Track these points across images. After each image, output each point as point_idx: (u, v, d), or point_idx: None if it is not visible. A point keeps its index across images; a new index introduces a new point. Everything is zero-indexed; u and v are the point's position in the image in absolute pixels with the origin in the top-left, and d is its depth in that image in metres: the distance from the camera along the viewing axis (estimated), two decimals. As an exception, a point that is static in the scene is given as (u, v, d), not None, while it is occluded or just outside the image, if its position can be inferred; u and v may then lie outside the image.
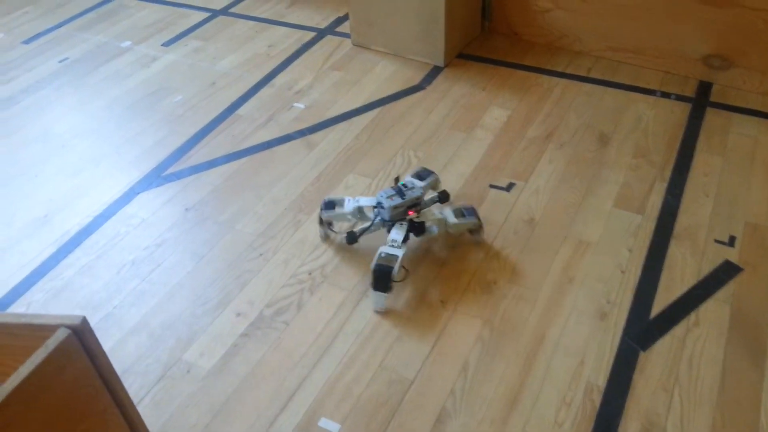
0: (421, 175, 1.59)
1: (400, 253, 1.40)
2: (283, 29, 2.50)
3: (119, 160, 1.89)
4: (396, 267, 1.37)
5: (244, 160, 1.87)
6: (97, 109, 2.11)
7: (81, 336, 0.84)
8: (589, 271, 1.48)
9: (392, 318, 1.41)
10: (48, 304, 1.48)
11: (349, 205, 1.52)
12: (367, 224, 1.51)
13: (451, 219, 1.50)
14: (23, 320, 0.83)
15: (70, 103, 2.15)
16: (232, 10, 2.65)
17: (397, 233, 1.44)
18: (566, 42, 2.25)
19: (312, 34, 2.46)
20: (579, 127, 1.90)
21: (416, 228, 1.49)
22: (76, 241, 1.64)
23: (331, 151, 1.88)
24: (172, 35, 2.49)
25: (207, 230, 1.65)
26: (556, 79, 2.11)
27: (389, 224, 1.47)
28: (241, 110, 2.06)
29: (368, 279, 1.45)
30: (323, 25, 2.51)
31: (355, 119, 2.00)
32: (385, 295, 1.39)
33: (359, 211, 1.53)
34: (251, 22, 2.56)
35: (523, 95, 2.06)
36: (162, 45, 2.44)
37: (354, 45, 2.37)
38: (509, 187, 1.72)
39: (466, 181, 1.75)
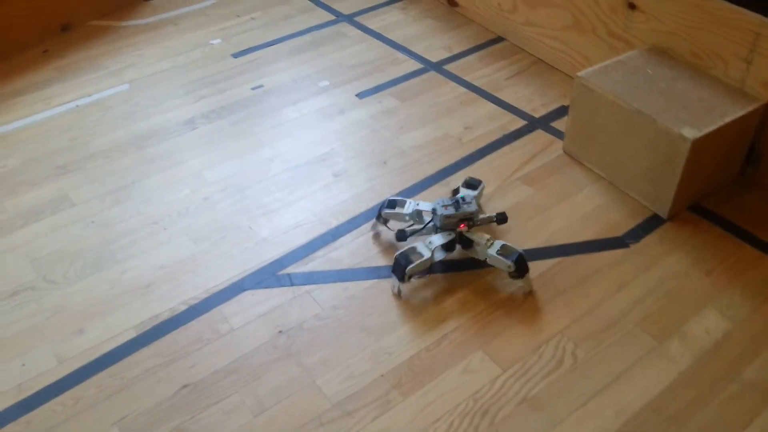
0: (471, 183, 1.67)
1: (427, 253, 1.46)
2: (490, 107, 2.09)
3: (247, 237, 1.68)
4: (415, 263, 1.44)
5: (371, 282, 1.54)
6: (257, 162, 1.91)
7: None
8: None
9: None
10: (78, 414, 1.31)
11: (409, 207, 1.58)
12: (419, 227, 1.55)
13: (492, 251, 1.48)
14: None
15: (237, 147, 1.98)
16: (447, 66, 2.30)
17: (439, 238, 1.50)
18: None
19: (521, 123, 2.02)
20: (829, 390, 1.28)
21: (464, 241, 1.52)
22: (154, 334, 1.45)
23: (461, 311, 1.47)
24: (372, 85, 2.22)
25: (285, 373, 1.36)
26: (822, 290, 1.47)
27: (439, 231, 1.52)
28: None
29: None
30: (539, 112, 2.06)
31: (521, 267, 1.56)
32: (400, 282, 1.46)
33: (417, 215, 1.58)
34: (461, 89, 2.19)
35: (763, 303, 1.46)
36: (356, 95, 2.18)
37: (564, 152, 1.90)
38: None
39: (627, 419, 1.25)
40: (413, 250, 1.48)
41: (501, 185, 1.80)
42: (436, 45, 2.42)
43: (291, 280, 1.56)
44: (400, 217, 1.59)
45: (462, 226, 1.49)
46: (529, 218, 1.69)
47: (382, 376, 1.35)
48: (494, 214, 1.57)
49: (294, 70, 2.30)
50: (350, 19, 2.60)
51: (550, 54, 2.25)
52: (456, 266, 1.58)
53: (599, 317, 1.45)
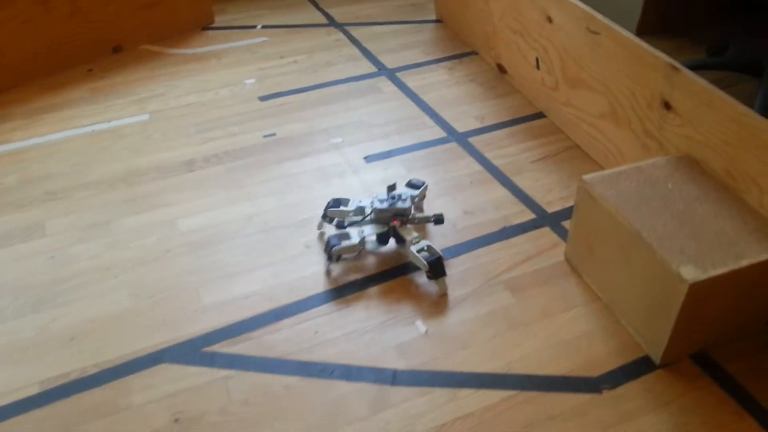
0: (414, 184, 1.76)
1: (356, 238, 1.57)
2: (502, 192, 1.87)
3: (190, 301, 1.56)
4: (342, 245, 1.56)
5: (296, 379, 1.37)
6: (235, 218, 1.80)
7: None
8: None
9: None
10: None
11: (352, 204, 1.66)
12: (358, 219, 1.64)
13: (414, 248, 1.54)
14: None
15: (223, 198, 1.87)
16: (473, 139, 2.09)
17: (370, 229, 1.61)
18: None
19: (529, 216, 1.79)
20: None
21: (397, 236, 1.62)
22: (55, 395, 1.35)
23: (392, 432, 1.27)
24: (385, 149, 2.06)
25: (163, 471, 1.22)
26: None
27: (374, 224, 1.62)
28: (372, 290, 1.56)
29: None
30: (554, 206, 1.82)
31: (464, 400, 1.33)
32: (328, 261, 1.59)
33: (360, 211, 1.65)
34: (477, 166, 1.98)
35: (744, 501, 1.16)
36: (365, 158, 2.02)
37: (565, 259, 1.65)
38: None
39: None
40: (345, 234, 1.59)
41: (480, 287, 1.58)
42: (470, 113, 2.22)
43: (213, 361, 1.41)
44: (344, 215, 1.67)
45: (395, 222, 1.59)
46: (496, 334, 1.46)
47: (262, 499, 1.18)
48: (432, 214, 1.67)
49: (313, 122, 2.18)
50: (391, 73, 2.46)
51: (586, 141, 2.00)
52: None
53: (534, 478, 1.20)
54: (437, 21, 2.84)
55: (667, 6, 2.55)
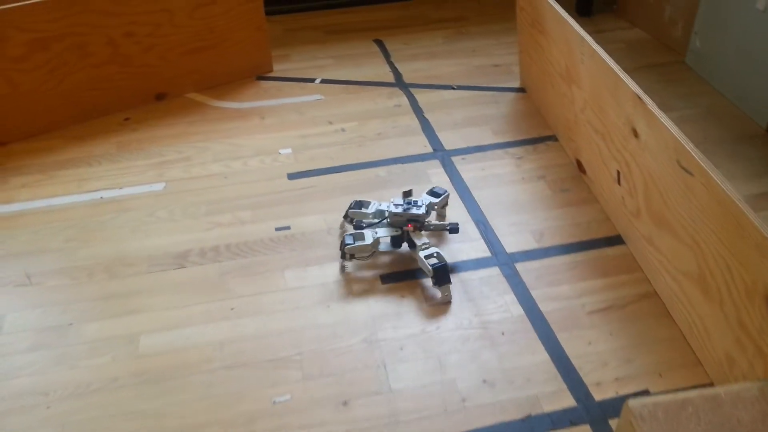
0: (435, 192, 1.75)
1: (370, 239, 1.59)
2: (538, 357, 1.42)
3: None
4: (356, 244, 1.58)
5: None
6: (205, 344, 1.48)
7: None
8: None
9: None
10: None
11: (372, 207, 1.69)
12: (375, 221, 1.67)
13: (422, 254, 1.55)
14: None
15: (201, 312, 1.56)
16: (521, 265, 1.65)
17: (384, 231, 1.63)
18: None
19: (567, 403, 1.33)
20: None
21: (410, 241, 1.62)
22: None
23: None
24: (407, 267, 1.66)
25: None
26: None
27: (389, 227, 1.65)
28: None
29: None
30: (606, 392, 1.35)
31: None
32: (342, 259, 1.62)
33: (380, 214, 1.68)
34: (515, 309, 1.54)
35: None
36: (381, 277, 1.64)
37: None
38: None
39: None
40: (360, 234, 1.61)
41: None
42: (528, 225, 1.78)
43: None
44: (364, 216, 1.70)
45: (409, 226, 1.61)
46: None
47: None
48: (447, 222, 1.69)
49: (335, 216, 1.83)
50: (447, 156, 2.05)
51: (668, 293, 1.50)
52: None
53: None
54: (520, 90, 2.39)
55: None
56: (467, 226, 1.78)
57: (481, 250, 1.70)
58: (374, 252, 1.62)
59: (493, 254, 1.69)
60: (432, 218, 1.73)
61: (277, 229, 1.79)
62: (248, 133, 2.20)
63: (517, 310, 1.53)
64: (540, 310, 1.53)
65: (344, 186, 1.93)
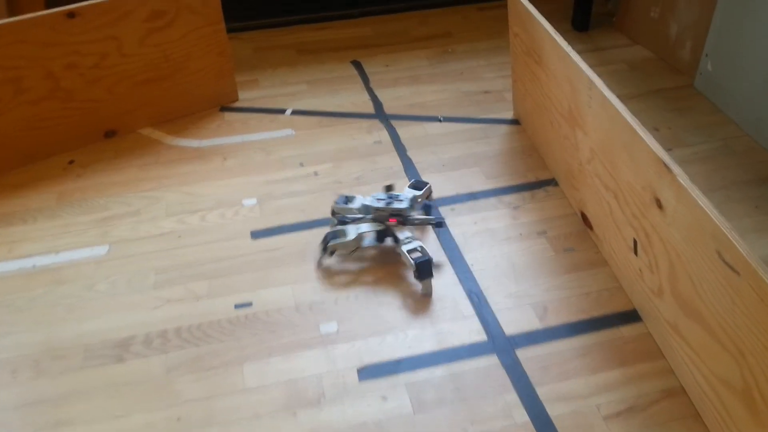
0: (416, 185, 1.72)
1: (353, 235, 1.55)
2: None
3: None
4: (338, 240, 1.54)
5: None
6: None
7: None
8: None
9: None
10: None
11: (357, 202, 1.64)
12: (359, 216, 1.61)
13: (405, 248, 1.52)
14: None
15: (147, 423, 1.29)
16: (522, 351, 1.39)
17: (367, 226, 1.58)
18: None
19: None
20: None
21: (393, 236, 1.57)
22: None
23: None
24: (387, 358, 1.39)
25: None
26: None
27: (372, 221, 1.60)
28: None
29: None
30: None
31: None
32: (322, 254, 1.57)
33: (365, 209, 1.62)
34: (518, 415, 1.28)
35: None
36: (359, 371, 1.37)
37: None
38: None
39: None
40: (342, 231, 1.56)
41: None
42: (529, 296, 1.52)
43: None
44: (350, 212, 1.64)
45: (392, 220, 1.58)
46: None
47: None
48: (433, 216, 1.66)
49: (309, 287, 1.56)
50: (434, 208, 1.78)
51: (698, 393, 1.25)
52: None
53: None
54: (514, 122, 2.12)
55: None
56: (459, 300, 1.52)
57: (475, 332, 1.44)
58: (357, 248, 1.58)
59: (489, 338, 1.43)
60: (416, 213, 1.67)
61: (237, 307, 1.52)
62: (208, 178, 1.92)
63: (521, 415, 1.28)
64: (548, 415, 1.27)
65: (316, 247, 1.66)
